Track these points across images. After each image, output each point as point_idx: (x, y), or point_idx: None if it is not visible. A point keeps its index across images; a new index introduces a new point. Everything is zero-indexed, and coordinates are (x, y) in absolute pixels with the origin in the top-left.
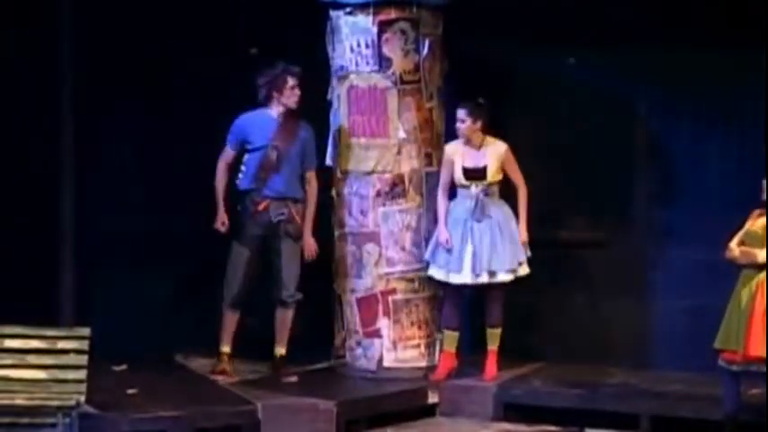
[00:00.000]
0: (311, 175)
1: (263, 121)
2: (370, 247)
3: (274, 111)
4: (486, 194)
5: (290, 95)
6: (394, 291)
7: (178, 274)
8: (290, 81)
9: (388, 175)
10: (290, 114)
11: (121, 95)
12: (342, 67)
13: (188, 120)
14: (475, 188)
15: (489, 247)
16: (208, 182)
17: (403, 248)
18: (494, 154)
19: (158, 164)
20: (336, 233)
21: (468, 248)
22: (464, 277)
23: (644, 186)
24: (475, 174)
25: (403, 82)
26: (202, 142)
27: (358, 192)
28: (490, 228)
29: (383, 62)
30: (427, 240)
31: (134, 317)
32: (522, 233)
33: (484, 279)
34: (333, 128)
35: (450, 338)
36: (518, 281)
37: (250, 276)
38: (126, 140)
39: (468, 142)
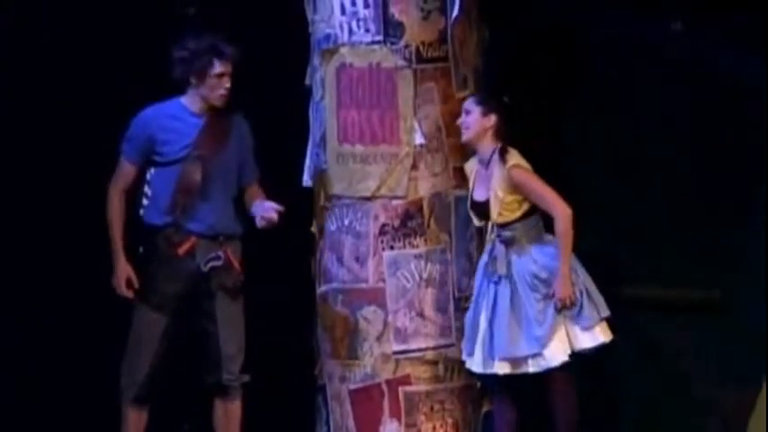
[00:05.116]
0: (254, 192)
1: (179, 118)
2: (370, 311)
3: (193, 104)
4: (505, 242)
5: (215, 87)
6: (407, 379)
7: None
8: (218, 66)
9: (398, 202)
10: (216, 110)
11: None
12: (328, 37)
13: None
14: (490, 231)
15: (508, 324)
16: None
17: (421, 314)
18: (498, 178)
19: None
20: (318, 290)
21: (482, 322)
22: (475, 363)
23: None
24: (480, 210)
25: (422, 59)
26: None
27: (352, 227)
28: (511, 294)
29: (391, 29)
30: (457, 300)
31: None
32: (560, 285)
33: (503, 369)
34: (313, 130)
35: None
36: (581, 362)
37: (163, 356)
38: None
39: (478, 153)
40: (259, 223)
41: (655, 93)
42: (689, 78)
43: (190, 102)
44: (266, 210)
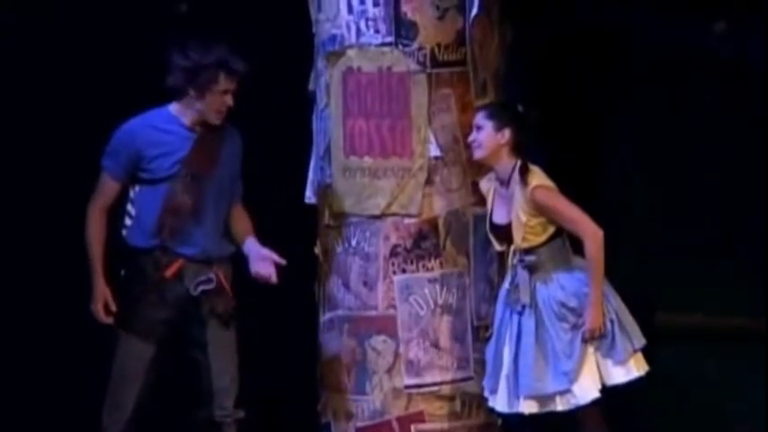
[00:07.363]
0: (238, 213)
1: (168, 131)
2: (379, 341)
3: (185, 115)
4: (528, 268)
5: (217, 105)
6: (420, 416)
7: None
8: (223, 82)
9: (410, 221)
10: (209, 124)
11: None
12: (334, 38)
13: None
14: (512, 256)
15: (534, 359)
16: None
17: (436, 345)
18: (519, 200)
19: None
20: (323, 318)
21: (505, 356)
22: (499, 402)
23: None
24: (501, 233)
25: (437, 63)
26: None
27: (360, 248)
28: (536, 325)
29: (403, 29)
30: (476, 329)
31: None
32: (590, 314)
33: (530, 408)
34: (317, 141)
35: None
36: (612, 395)
37: (149, 389)
38: None
39: (495, 172)
40: (253, 274)
41: (699, 100)
42: (737, 83)
43: (181, 112)
44: (263, 259)
